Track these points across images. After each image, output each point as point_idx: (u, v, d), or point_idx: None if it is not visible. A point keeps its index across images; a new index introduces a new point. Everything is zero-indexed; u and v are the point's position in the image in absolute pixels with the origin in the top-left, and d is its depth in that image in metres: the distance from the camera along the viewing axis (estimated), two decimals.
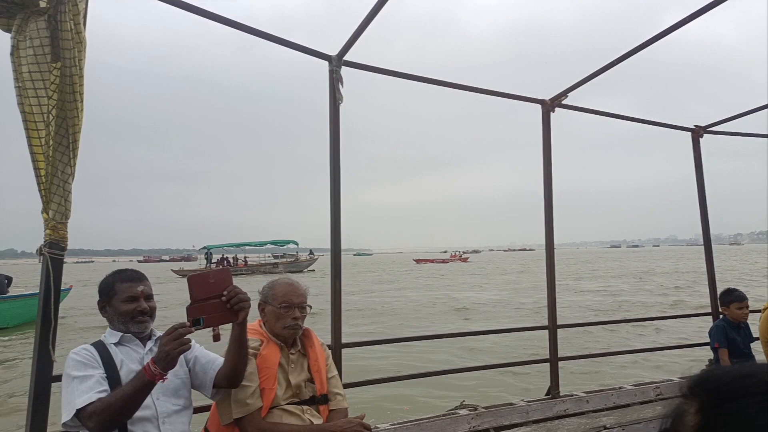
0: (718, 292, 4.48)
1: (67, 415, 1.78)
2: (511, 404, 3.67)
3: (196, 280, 1.87)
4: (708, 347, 4.40)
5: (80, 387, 1.80)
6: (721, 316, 4.40)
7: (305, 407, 2.26)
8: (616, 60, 3.39)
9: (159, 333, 2.05)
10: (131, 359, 1.97)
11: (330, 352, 2.62)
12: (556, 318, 3.97)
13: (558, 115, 3.93)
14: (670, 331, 11.09)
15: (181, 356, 1.85)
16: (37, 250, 1.90)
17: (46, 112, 1.75)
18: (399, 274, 41.63)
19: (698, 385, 0.66)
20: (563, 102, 3.86)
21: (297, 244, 47.64)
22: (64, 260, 2.01)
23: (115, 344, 1.98)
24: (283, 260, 48.58)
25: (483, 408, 3.58)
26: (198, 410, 2.31)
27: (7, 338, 13.02)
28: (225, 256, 48.94)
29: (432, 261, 73.66)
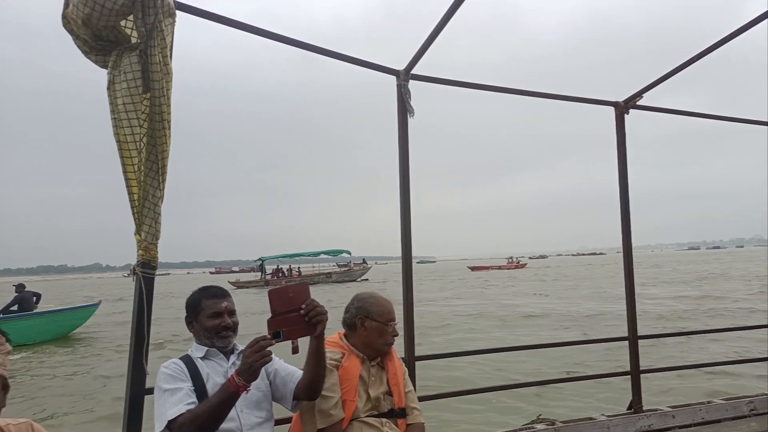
0: None
1: (159, 425, 1.86)
2: (591, 419, 3.51)
3: (276, 294, 1.92)
4: None
5: (171, 399, 1.88)
6: None
7: (384, 420, 2.27)
8: (696, 56, 3.20)
9: (241, 347, 2.12)
10: (216, 373, 2.03)
11: (406, 368, 2.61)
12: (637, 328, 3.77)
13: (631, 116, 3.76)
14: (752, 341, 10.26)
15: (262, 369, 1.90)
16: (130, 270, 2.02)
17: (138, 140, 1.87)
18: (450, 282, 40.88)
19: None
20: (638, 103, 3.69)
21: (350, 253, 47.82)
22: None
23: (201, 358, 2.06)
24: (336, 270, 48.95)
25: (561, 422, 3.45)
26: (278, 422, 2.36)
27: (20, 355, 12.74)
28: (279, 267, 49.67)
29: (487, 268, 71.41)
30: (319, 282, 42.48)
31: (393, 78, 3.04)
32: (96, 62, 1.91)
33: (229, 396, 1.81)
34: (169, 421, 1.83)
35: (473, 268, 72.12)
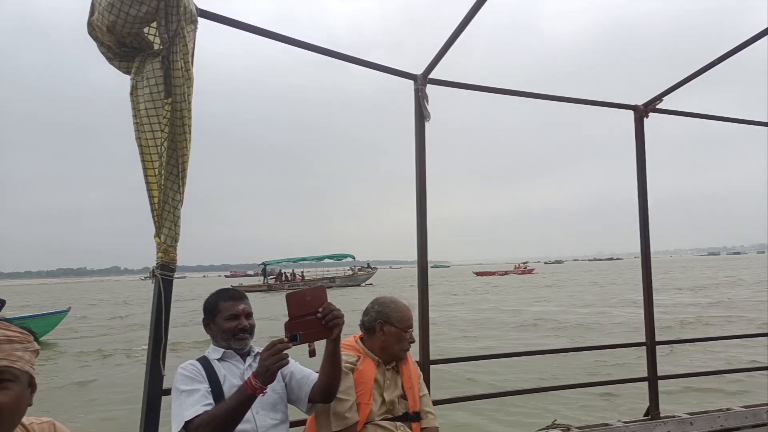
0: None
1: (176, 426, 1.88)
2: (607, 425, 3.48)
3: (293, 298, 1.93)
4: None
5: (188, 400, 1.90)
6: None
7: (398, 423, 2.28)
8: (718, 59, 3.16)
9: (258, 349, 2.14)
10: (233, 374, 2.05)
11: (420, 372, 2.61)
12: (655, 333, 3.73)
13: (649, 119, 3.72)
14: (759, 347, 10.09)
15: (279, 372, 1.91)
16: (150, 272, 2.05)
17: (160, 145, 1.91)
18: (454, 287, 40.68)
19: None
20: (657, 106, 3.65)
21: (354, 257, 47.44)
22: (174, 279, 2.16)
23: (218, 360, 2.08)
24: (340, 275, 48.67)
25: (576, 428, 3.43)
26: (293, 424, 2.38)
27: None
28: (282, 271, 49.62)
29: (493, 273, 70.85)
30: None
31: (411, 83, 3.06)
32: (119, 68, 1.96)
33: (245, 398, 1.83)
34: (186, 422, 1.85)
35: (479, 273, 71.55)
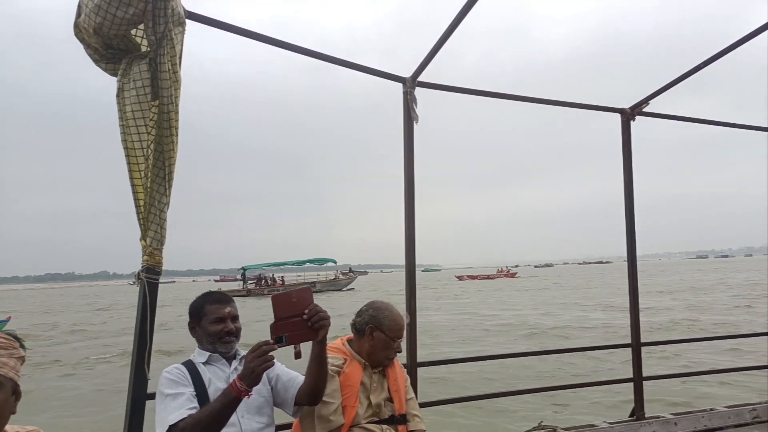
0: None
1: (160, 430, 1.86)
2: (593, 426, 3.52)
3: (279, 299, 1.93)
4: None
5: (172, 404, 1.89)
6: None
7: (385, 426, 2.28)
8: (704, 62, 3.21)
9: (243, 352, 2.13)
10: (218, 378, 2.04)
11: (407, 375, 2.62)
12: (640, 335, 3.78)
13: (637, 123, 3.77)
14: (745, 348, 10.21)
15: (264, 375, 1.91)
16: (135, 275, 2.04)
17: (146, 147, 1.90)
18: (433, 291, 40.63)
19: None
20: (644, 110, 3.70)
21: (335, 262, 47.26)
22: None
23: (203, 363, 2.06)
24: (322, 279, 48.33)
25: (562, 429, 3.46)
26: (279, 428, 2.37)
27: None
28: (262, 276, 49.25)
29: (475, 277, 70.82)
30: None
31: (400, 86, 3.07)
32: (106, 70, 1.95)
33: (230, 401, 1.82)
34: (171, 426, 1.84)
35: (460, 277, 71.56)
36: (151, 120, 1.90)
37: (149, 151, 1.90)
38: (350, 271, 53.22)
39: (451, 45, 2.72)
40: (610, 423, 3.55)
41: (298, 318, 1.91)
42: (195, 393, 1.95)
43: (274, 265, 47.99)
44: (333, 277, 49.48)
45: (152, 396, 2.06)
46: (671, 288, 31.54)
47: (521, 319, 17.96)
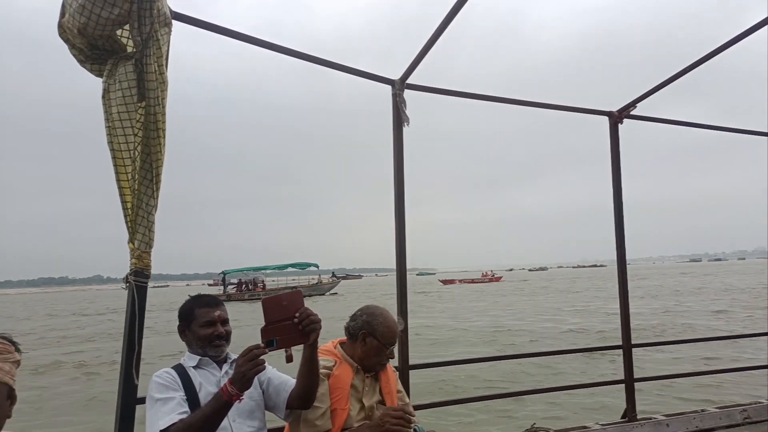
0: None
1: None
2: (585, 427, 3.54)
3: (270, 303, 1.91)
4: None
5: (163, 408, 1.87)
6: None
7: None
8: (690, 66, 3.23)
9: (234, 356, 2.11)
10: (209, 382, 2.02)
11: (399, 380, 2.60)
12: (631, 337, 3.79)
13: (628, 126, 3.78)
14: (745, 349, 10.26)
15: (255, 378, 1.89)
16: (123, 279, 2.02)
17: (133, 149, 1.88)
18: (414, 296, 40.68)
19: None
20: (632, 113, 3.72)
21: (318, 266, 47.06)
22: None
23: (193, 367, 2.04)
24: (304, 284, 47.99)
25: (555, 431, 3.47)
26: None
27: None
28: (243, 280, 48.78)
29: (460, 281, 71.16)
30: None
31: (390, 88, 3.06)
32: (91, 71, 1.93)
33: (221, 405, 1.80)
34: (161, 431, 1.82)
35: (445, 282, 71.78)
36: (137, 122, 1.88)
37: (136, 153, 1.89)
38: (333, 275, 52.98)
39: (442, 51, 2.71)
40: (603, 425, 3.56)
41: (288, 321, 1.90)
42: (186, 397, 1.93)
43: (255, 269, 47.77)
44: (316, 281, 49.32)
45: (142, 401, 2.04)
46: (652, 293, 31.66)
47: (502, 324, 17.86)
